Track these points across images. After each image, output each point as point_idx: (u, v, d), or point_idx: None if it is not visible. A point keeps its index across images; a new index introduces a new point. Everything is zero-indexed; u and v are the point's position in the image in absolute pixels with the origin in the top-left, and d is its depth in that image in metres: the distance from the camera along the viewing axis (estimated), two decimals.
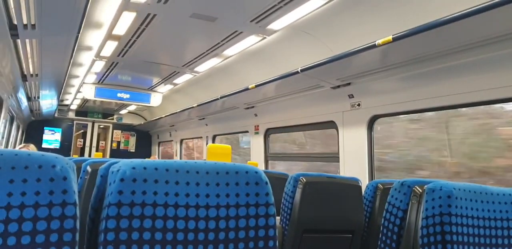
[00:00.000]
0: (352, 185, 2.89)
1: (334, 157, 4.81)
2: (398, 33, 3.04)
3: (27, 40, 3.91)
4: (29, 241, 1.08)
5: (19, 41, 3.85)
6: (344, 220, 2.81)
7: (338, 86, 4.51)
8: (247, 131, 7.09)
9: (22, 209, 1.09)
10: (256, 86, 5.09)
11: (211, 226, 1.30)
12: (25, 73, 5.41)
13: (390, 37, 3.11)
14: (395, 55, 3.51)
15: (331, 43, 3.86)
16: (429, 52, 3.31)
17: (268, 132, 6.46)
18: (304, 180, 2.73)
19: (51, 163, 1.13)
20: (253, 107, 6.53)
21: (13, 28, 3.41)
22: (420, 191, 1.80)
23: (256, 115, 6.64)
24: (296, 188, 2.74)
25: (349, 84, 4.41)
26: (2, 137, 7.05)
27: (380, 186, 2.96)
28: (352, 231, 2.86)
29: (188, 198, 1.29)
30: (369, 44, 3.30)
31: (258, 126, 6.62)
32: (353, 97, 4.48)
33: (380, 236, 1.98)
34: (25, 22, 3.30)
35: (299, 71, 4.18)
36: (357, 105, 4.45)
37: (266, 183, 1.39)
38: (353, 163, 4.50)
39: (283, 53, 4.54)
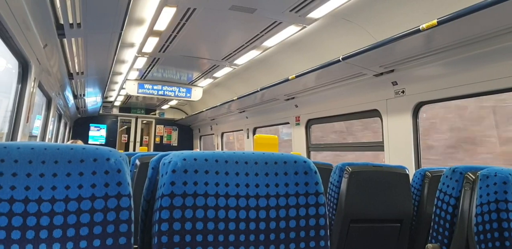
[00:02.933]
0: (399, 173, 2.83)
1: (378, 146, 4.72)
2: (444, 17, 2.93)
3: (73, 39, 4.04)
4: (87, 233, 1.11)
5: (65, 40, 3.98)
6: (392, 209, 2.77)
7: (381, 74, 4.41)
8: (288, 123, 7.06)
9: (79, 202, 1.12)
10: (296, 76, 5.05)
11: (261, 216, 1.30)
12: (71, 71, 5.60)
13: (435, 21, 2.99)
14: (440, 39, 3.39)
15: (373, 30, 3.76)
16: (477, 35, 3.17)
17: (309, 123, 6.41)
18: (350, 169, 2.70)
19: (105, 156, 1.17)
20: (293, 98, 6.49)
21: (59, 27, 3.53)
22: (473, 177, 1.74)
23: (296, 106, 6.60)
24: (342, 177, 2.71)
25: (392, 71, 4.30)
26: (52, 134, 7.37)
27: (428, 174, 2.88)
28: (400, 220, 2.81)
29: (238, 188, 1.30)
30: (413, 29, 3.20)
31: (299, 117, 6.58)
32: (396, 84, 4.37)
33: (432, 224, 1.93)
34: (71, 21, 3.41)
35: (340, 59, 4.11)
36: (401, 92, 4.33)
37: (315, 172, 1.38)
38: (398, 151, 4.40)
39: (323, 42, 4.47)
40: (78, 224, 1.11)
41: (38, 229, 1.07)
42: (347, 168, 2.71)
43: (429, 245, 1.88)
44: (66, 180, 1.12)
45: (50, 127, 6.28)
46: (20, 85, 3.57)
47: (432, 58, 3.76)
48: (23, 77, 3.58)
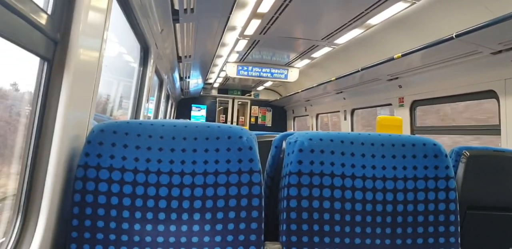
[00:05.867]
0: None
1: (493, 130, 4.38)
2: None
3: (185, 24, 4.27)
4: (223, 205, 1.21)
5: (178, 25, 4.22)
6: None
7: (500, 51, 4.04)
8: (390, 104, 6.81)
9: (216, 176, 1.22)
10: (403, 55, 4.82)
11: (388, 198, 1.31)
12: (180, 55, 5.93)
13: None
14: None
15: (491, 4, 3.45)
16: None
17: (414, 104, 6.12)
18: (468, 153, 2.55)
19: (238, 134, 1.25)
20: (396, 78, 6.21)
21: (175, 13, 3.73)
22: None
23: (400, 86, 6.32)
24: (459, 162, 2.58)
25: None
26: (163, 114, 7.92)
27: None
28: None
29: (365, 169, 1.32)
30: None
31: (402, 98, 6.31)
32: None
33: None
34: (185, 6, 3.58)
35: (454, 37, 3.84)
36: None
37: (446, 155, 1.35)
38: None
39: (432, 19, 4.20)
40: (215, 196, 1.21)
41: (181, 200, 1.20)
42: (465, 152, 2.56)
43: None
44: (204, 155, 1.23)
45: (161, 107, 6.74)
46: (142, 68, 3.88)
47: None
48: (144, 60, 3.88)
